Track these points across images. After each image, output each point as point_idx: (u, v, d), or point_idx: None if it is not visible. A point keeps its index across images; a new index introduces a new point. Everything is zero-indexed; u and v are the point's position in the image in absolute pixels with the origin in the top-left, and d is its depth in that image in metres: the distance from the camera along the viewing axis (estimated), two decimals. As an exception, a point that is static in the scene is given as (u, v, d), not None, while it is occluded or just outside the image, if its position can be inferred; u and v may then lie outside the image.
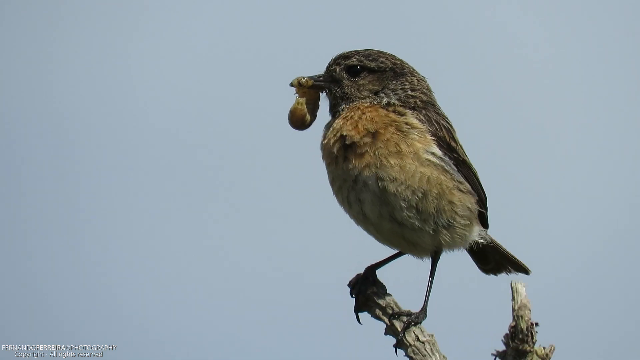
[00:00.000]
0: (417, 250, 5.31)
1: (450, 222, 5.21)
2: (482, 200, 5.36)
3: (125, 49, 8.05)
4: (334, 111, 5.36)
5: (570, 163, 7.73)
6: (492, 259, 5.56)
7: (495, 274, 5.61)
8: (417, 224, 5.17)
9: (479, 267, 5.62)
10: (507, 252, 5.52)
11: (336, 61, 5.35)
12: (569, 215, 7.51)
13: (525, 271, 5.57)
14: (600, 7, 8.10)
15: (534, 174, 7.61)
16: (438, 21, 8.09)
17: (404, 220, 5.16)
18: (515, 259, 5.55)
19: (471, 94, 7.65)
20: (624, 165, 7.71)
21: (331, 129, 5.27)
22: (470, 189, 5.26)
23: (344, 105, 5.32)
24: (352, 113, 5.25)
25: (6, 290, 7.12)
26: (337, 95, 5.34)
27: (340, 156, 5.21)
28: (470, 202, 5.25)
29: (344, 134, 5.18)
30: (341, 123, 5.24)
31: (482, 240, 5.39)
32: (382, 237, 5.28)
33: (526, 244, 6.78)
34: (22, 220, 7.53)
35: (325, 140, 5.28)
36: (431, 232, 5.20)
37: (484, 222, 5.42)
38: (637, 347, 6.73)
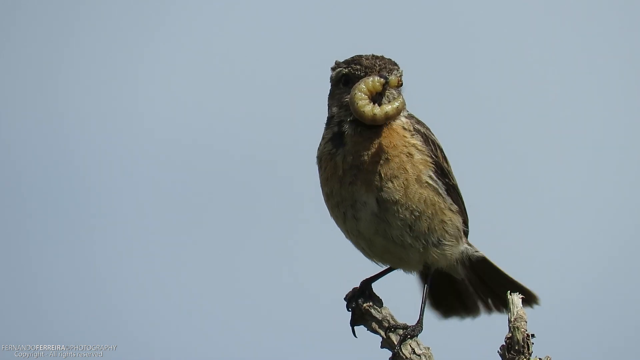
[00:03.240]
0: (406, 265, 5.37)
1: (440, 240, 5.27)
2: (465, 221, 5.42)
3: (133, 59, 8.07)
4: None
5: (569, 176, 7.76)
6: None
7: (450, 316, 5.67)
8: (408, 241, 5.21)
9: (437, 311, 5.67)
10: (503, 273, 5.53)
11: (395, 66, 5.20)
12: (566, 228, 7.52)
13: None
14: (601, 9, 8.13)
15: (530, 184, 7.64)
16: (432, 22, 8.12)
17: (395, 238, 5.21)
18: (511, 280, 5.53)
19: (466, 104, 7.68)
20: (624, 177, 7.74)
21: (349, 149, 5.17)
22: (459, 209, 5.33)
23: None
24: (382, 139, 5.17)
25: (6, 290, 7.12)
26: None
27: (347, 179, 5.19)
28: (459, 221, 5.32)
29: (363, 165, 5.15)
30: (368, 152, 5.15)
31: (473, 253, 5.46)
32: (373, 252, 5.31)
33: (524, 254, 6.81)
34: (22, 220, 7.54)
35: (339, 168, 5.19)
36: (421, 249, 5.25)
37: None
38: (633, 357, 6.73)
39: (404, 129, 5.22)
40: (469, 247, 5.45)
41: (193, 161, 7.78)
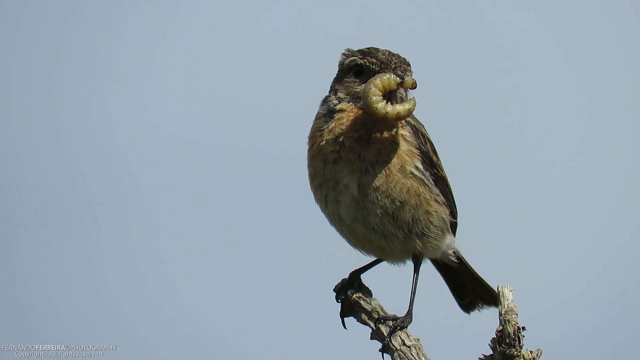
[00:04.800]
0: (388, 255, 5.35)
1: (425, 231, 5.26)
2: (453, 213, 5.41)
3: (143, 59, 8.08)
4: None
5: (565, 177, 7.77)
6: (469, 289, 5.60)
7: (472, 310, 5.66)
8: (389, 230, 5.19)
9: (458, 303, 5.67)
10: (477, 275, 5.56)
11: (409, 66, 5.20)
12: (564, 227, 7.55)
13: (495, 301, 5.53)
14: (599, 10, 8.14)
15: (524, 184, 7.65)
16: (429, 21, 8.11)
17: (376, 226, 5.19)
18: (485, 282, 5.57)
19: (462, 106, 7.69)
20: (620, 178, 7.75)
21: (334, 125, 5.18)
22: (445, 201, 5.31)
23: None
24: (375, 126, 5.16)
25: (6, 290, 7.12)
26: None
27: (330, 159, 5.17)
28: (445, 213, 5.30)
29: (345, 142, 5.14)
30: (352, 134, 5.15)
31: (452, 251, 5.43)
32: (355, 240, 5.30)
33: (513, 247, 6.81)
34: (22, 220, 7.54)
35: (323, 142, 5.20)
36: (402, 239, 5.23)
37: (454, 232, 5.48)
38: (623, 351, 6.74)
39: None
40: (453, 242, 5.42)
41: (191, 160, 7.80)
